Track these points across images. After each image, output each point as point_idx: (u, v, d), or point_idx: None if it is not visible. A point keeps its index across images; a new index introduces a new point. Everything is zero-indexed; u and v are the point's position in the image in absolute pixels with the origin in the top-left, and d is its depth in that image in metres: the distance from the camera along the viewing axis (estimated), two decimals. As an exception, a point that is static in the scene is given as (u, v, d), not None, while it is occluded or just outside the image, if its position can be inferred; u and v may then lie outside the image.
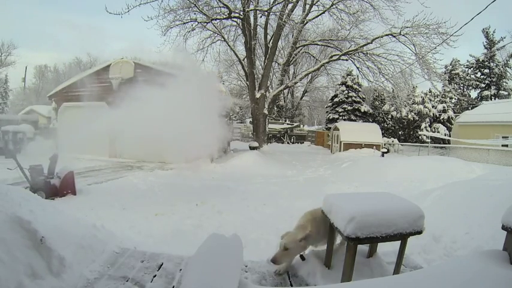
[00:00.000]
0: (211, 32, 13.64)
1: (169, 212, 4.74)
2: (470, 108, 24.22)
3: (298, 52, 16.60)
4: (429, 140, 20.73)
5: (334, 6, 12.31)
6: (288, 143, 27.47)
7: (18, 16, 50.39)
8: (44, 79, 38.24)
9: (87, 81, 12.18)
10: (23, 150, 11.17)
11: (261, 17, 13.93)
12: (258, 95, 12.85)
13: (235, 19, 12.99)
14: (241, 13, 12.15)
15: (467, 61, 29.85)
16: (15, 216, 2.06)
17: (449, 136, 20.51)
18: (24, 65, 41.00)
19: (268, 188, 6.93)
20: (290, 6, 12.60)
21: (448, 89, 23.61)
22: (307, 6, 13.02)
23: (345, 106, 25.76)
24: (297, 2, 12.84)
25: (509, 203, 1.52)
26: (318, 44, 15.35)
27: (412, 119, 23.76)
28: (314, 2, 12.87)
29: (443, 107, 23.62)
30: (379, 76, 12.74)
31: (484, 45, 28.35)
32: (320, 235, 2.30)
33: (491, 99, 25.76)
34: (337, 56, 13.03)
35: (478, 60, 28.82)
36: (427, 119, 23.31)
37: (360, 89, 26.20)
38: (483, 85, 28.76)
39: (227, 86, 22.39)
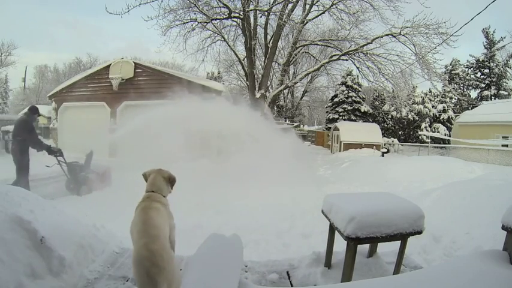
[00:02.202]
0: (211, 32, 13.63)
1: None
2: (470, 108, 24.22)
3: (298, 52, 16.56)
4: (429, 140, 20.73)
5: (334, 6, 12.28)
6: (288, 143, 27.42)
7: (16, 15, 50.41)
8: (44, 79, 38.19)
9: (87, 81, 12.19)
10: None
11: (261, 17, 13.92)
12: (258, 95, 12.84)
13: (235, 19, 12.97)
14: (241, 13, 12.13)
15: (467, 61, 29.88)
16: (15, 216, 2.06)
17: (449, 136, 20.52)
18: (24, 65, 41.09)
19: (268, 188, 6.92)
20: (290, 6, 12.58)
21: (448, 89, 23.60)
22: (307, 6, 13.00)
23: (345, 106, 25.76)
24: (297, 2, 12.82)
25: (509, 203, 1.52)
26: (318, 44, 15.32)
27: (412, 119, 23.76)
28: (314, 2, 12.86)
29: (443, 107, 23.63)
30: (379, 76, 12.72)
31: (484, 45, 28.36)
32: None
33: (491, 99, 25.76)
34: (337, 56, 13.01)
35: (478, 60, 28.82)
36: (427, 119, 23.31)
37: (360, 89, 26.19)
38: (483, 85, 28.76)
39: (227, 86, 22.38)
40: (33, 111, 5.59)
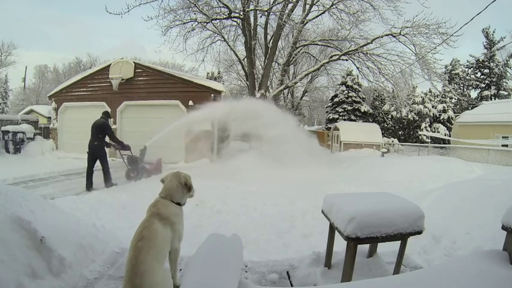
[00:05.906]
0: (211, 32, 13.62)
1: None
2: (470, 108, 24.22)
3: (298, 52, 16.57)
4: (429, 140, 20.75)
5: (334, 6, 12.28)
6: (288, 143, 27.41)
7: (12, 14, 50.33)
8: (44, 79, 38.16)
9: (87, 81, 12.19)
10: (23, 150, 11.18)
11: (261, 17, 13.92)
12: (258, 95, 12.84)
13: (235, 19, 12.97)
14: (241, 13, 12.13)
15: (467, 61, 29.87)
16: (15, 216, 2.06)
17: (449, 136, 20.52)
18: (23, 64, 41.06)
19: (268, 188, 6.92)
20: (290, 6, 12.58)
21: (448, 89, 23.61)
22: (307, 6, 13.00)
23: (345, 106, 25.75)
24: (297, 2, 12.82)
25: (509, 203, 1.52)
26: (318, 44, 15.32)
27: (412, 119, 23.77)
28: (314, 2, 12.85)
29: (443, 107, 23.64)
30: (379, 76, 12.72)
31: (484, 45, 28.35)
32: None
33: (491, 99, 25.76)
34: (337, 56, 13.01)
35: (478, 60, 28.81)
36: (427, 119, 23.33)
37: (360, 89, 26.18)
38: (483, 85, 28.75)
39: (227, 86, 22.38)
40: (107, 115, 7.02)
